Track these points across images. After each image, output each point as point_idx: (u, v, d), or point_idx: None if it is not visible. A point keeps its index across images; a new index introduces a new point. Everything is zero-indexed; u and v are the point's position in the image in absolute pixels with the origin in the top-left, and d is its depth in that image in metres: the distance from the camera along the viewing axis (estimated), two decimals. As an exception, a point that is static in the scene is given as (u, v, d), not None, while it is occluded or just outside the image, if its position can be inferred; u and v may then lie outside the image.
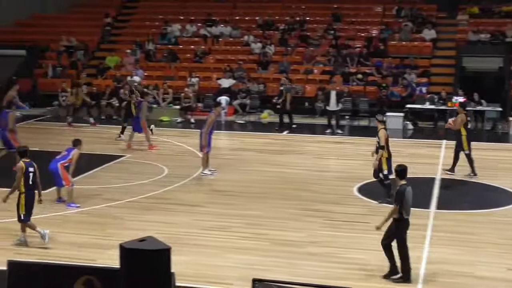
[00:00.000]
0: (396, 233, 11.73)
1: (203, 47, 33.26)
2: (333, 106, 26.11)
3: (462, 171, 19.29)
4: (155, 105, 28.79)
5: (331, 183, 18.32)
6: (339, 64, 30.90)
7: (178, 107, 28.81)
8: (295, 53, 32.44)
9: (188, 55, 33.23)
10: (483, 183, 18.78)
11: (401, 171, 12.03)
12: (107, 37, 35.82)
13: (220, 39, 34.00)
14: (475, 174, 19.16)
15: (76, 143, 16.45)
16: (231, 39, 34.16)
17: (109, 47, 34.71)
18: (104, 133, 24.16)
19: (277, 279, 9.56)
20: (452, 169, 19.34)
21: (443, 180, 18.90)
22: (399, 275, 11.81)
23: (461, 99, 26.52)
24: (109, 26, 36.23)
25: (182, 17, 36.06)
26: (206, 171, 19.18)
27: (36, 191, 13.53)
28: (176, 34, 34.39)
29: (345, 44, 32.27)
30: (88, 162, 19.43)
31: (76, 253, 13.00)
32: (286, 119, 26.63)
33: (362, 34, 33.29)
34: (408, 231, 11.86)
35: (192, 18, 35.61)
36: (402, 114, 26.90)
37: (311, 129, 26.75)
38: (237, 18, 35.73)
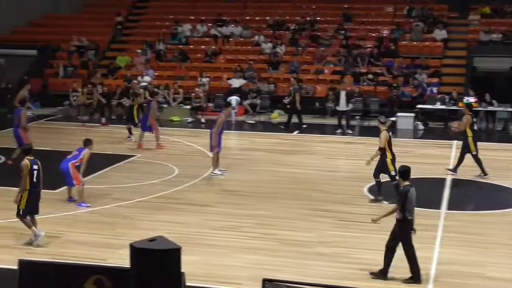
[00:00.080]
0: (400, 234, 11.71)
1: (213, 47, 33.30)
2: (343, 106, 26.08)
3: (472, 172, 19.21)
4: (165, 105, 28.87)
5: (341, 183, 18.30)
6: (349, 64, 30.88)
7: (188, 107, 28.85)
8: (306, 53, 32.43)
9: (199, 55, 33.27)
10: (494, 184, 18.71)
11: (404, 172, 12.00)
12: (118, 37, 35.92)
13: (231, 39, 34.03)
14: (485, 174, 19.09)
15: (87, 143, 16.48)
16: (241, 39, 34.18)
17: (120, 47, 34.80)
18: (115, 133, 24.22)
19: (287, 279, 9.56)
20: (455, 169, 19.26)
21: (453, 180, 18.85)
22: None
23: (472, 99, 26.44)
24: (120, 25, 36.35)
25: (192, 17, 36.12)
26: (216, 171, 19.19)
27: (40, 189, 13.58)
28: (186, 34, 34.44)
29: (356, 44, 32.24)
30: (99, 162, 19.45)
31: (86, 252, 13.03)
32: (294, 119, 26.62)
33: (373, 34, 33.25)
34: (413, 232, 11.83)
35: (203, 18, 35.65)
36: (412, 115, 26.84)
37: (321, 129, 26.74)
38: (247, 18, 35.75)
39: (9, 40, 33.93)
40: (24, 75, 31.12)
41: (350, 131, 25.88)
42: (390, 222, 12.05)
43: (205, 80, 30.30)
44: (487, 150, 20.97)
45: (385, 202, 16.39)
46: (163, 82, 30.52)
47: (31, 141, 19.63)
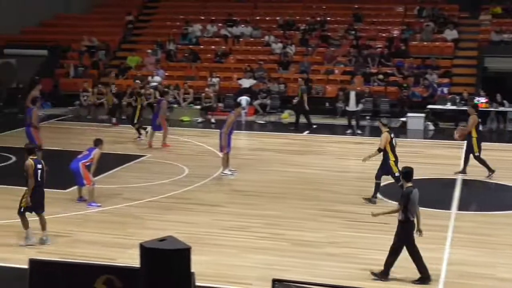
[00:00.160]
0: (402, 235, 11.69)
1: (223, 47, 33.32)
2: (352, 106, 26.04)
3: (482, 173, 19.15)
4: (175, 105, 28.90)
5: (351, 184, 18.26)
6: (360, 65, 30.84)
7: (198, 107, 28.88)
8: (316, 53, 32.41)
9: (209, 55, 33.30)
10: (505, 184, 18.65)
11: (407, 173, 11.97)
12: (129, 37, 36.01)
13: (241, 39, 34.04)
14: (492, 171, 18.98)
15: (98, 142, 16.52)
16: (251, 39, 34.19)
17: (130, 47, 34.87)
18: (125, 133, 24.25)
19: (296, 279, 9.56)
20: (463, 171, 19.21)
21: (464, 181, 18.79)
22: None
23: (483, 100, 26.37)
24: (131, 24, 36.44)
25: (203, 17, 36.15)
26: (226, 171, 19.21)
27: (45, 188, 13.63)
28: (197, 34, 34.47)
29: (366, 44, 32.19)
30: (109, 162, 19.51)
31: (96, 252, 13.06)
32: (303, 119, 26.63)
33: (383, 34, 33.20)
34: (419, 233, 11.82)
35: (213, 18, 35.68)
36: (423, 115, 26.77)
37: (331, 130, 26.71)
38: (258, 18, 35.75)
39: (19, 40, 34.11)
40: (35, 75, 31.21)
41: (359, 131, 25.85)
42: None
43: (215, 80, 30.32)
44: (498, 150, 20.92)
45: (394, 202, 16.31)
46: (173, 82, 30.57)
47: (42, 141, 19.75)
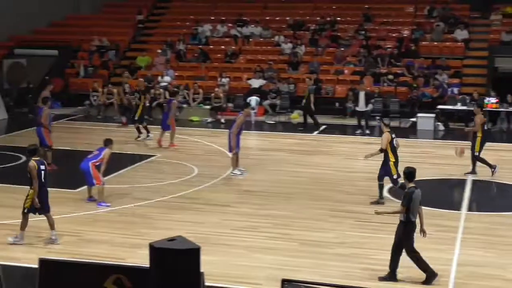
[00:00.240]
0: (403, 235, 11.66)
1: (233, 47, 33.32)
2: (362, 106, 26.00)
3: (488, 173, 19.10)
4: (185, 105, 28.93)
5: (361, 184, 18.23)
6: (369, 65, 30.78)
7: (208, 107, 28.90)
8: (326, 53, 32.37)
9: (219, 55, 33.31)
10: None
11: (409, 173, 11.93)
12: (139, 37, 36.07)
13: (251, 39, 34.04)
14: (494, 167, 18.91)
15: (108, 142, 16.55)
16: (261, 39, 34.18)
17: (140, 47, 34.93)
18: (135, 133, 24.26)
19: (306, 279, 9.55)
20: (473, 171, 19.15)
21: (474, 181, 18.73)
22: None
23: (493, 100, 26.29)
24: (141, 23, 36.51)
25: (213, 18, 36.16)
26: (235, 171, 19.21)
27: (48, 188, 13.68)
28: (207, 34, 34.49)
29: (376, 44, 32.14)
30: (119, 162, 19.55)
31: (106, 252, 13.09)
32: (311, 120, 26.66)
33: (393, 35, 33.12)
34: (423, 234, 11.78)
35: (223, 18, 35.68)
36: (433, 115, 26.70)
37: (341, 130, 26.68)
38: (267, 18, 35.73)
39: (30, 40, 34.23)
40: (45, 75, 31.32)
41: (368, 132, 25.79)
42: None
43: (225, 80, 30.34)
44: (508, 151, 20.84)
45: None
46: (183, 82, 30.60)
47: (52, 141, 19.79)
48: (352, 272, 12.22)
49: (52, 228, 13.54)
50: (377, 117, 24.94)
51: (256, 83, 30.22)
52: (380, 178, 16.52)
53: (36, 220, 13.81)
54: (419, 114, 26.78)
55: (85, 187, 16.60)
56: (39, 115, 19.87)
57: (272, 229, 14.60)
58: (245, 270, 12.31)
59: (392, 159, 16.27)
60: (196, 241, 7.73)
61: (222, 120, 27.75)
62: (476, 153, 18.93)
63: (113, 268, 9.50)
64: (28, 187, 13.39)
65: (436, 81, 29.02)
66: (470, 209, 16.32)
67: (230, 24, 35.07)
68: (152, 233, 13.33)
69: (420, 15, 34.53)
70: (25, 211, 13.42)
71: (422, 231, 11.89)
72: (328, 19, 34.47)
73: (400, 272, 11.89)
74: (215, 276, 11.14)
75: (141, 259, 11.17)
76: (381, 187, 16.56)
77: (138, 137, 23.94)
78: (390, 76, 29.88)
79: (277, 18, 35.66)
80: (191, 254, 7.60)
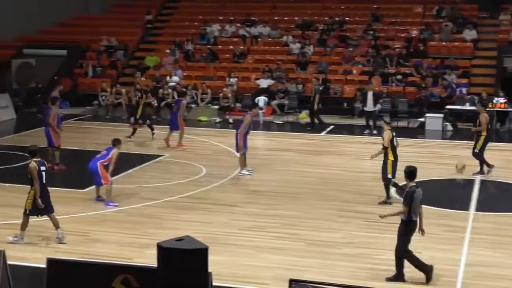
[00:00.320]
0: (404, 234, 11.64)
1: (242, 47, 33.32)
2: (370, 106, 25.96)
3: (500, 173, 19.04)
4: (193, 105, 28.96)
5: (369, 184, 18.19)
6: (378, 65, 30.74)
7: (216, 107, 28.92)
8: (334, 53, 32.35)
9: (227, 55, 33.33)
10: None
11: (410, 172, 11.89)
12: (147, 37, 36.12)
13: (259, 39, 34.05)
14: (491, 166, 18.91)
15: (116, 142, 16.59)
16: (270, 39, 34.18)
17: (149, 47, 34.97)
18: (143, 133, 24.31)
19: (313, 279, 9.55)
20: (481, 171, 19.11)
21: (482, 181, 18.69)
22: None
23: (502, 100, 26.20)
24: (150, 23, 36.56)
25: (221, 18, 36.19)
26: (243, 171, 19.21)
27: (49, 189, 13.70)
28: (215, 34, 34.51)
29: (385, 44, 32.10)
30: (127, 161, 19.58)
31: (114, 251, 13.11)
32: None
33: (402, 35, 33.07)
34: (421, 233, 11.79)
35: (232, 18, 35.70)
36: (441, 115, 26.64)
37: (349, 130, 26.65)
38: (276, 18, 35.74)
39: (39, 40, 34.31)
40: (54, 75, 31.39)
41: (375, 132, 25.74)
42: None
43: (233, 80, 30.36)
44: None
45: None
46: (191, 82, 30.63)
47: (60, 142, 19.82)
48: (360, 272, 12.21)
49: (56, 227, 13.55)
50: (380, 117, 24.89)
51: (264, 83, 30.22)
52: (384, 179, 16.53)
53: (41, 220, 13.84)
54: (427, 114, 26.71)
55: (93, 187, 16.64)
56: (47, 115, 19.91)
57: (280, 229, 14.60)
58: (252, 270, 12.32)
59: (391, 157, 16.24)
60: (204, 241, 7.74)
61: (230, 120, 27.76)
62: (476, 150, 18.91)
63: (121, 268, 9.52)
64: (29, 187, 13.43)
65: (444, 81, 28.96)
66: (478, 209, 16.27)
67: (238, 24, 35.08)
68: (160, 233, 13.34)
69: (429, 15, 34.46)
70: (27, 212, 13.44)
71: (421, 230, 11.87)
72: (337, 19, 34.44)
73: (406, 272, 11.88)
74: (223, 276, 11.15)
75: (149, 259, 11.18)
76: (387, 187, 16.54)
77: (153, 133, 24.02)
78: (399, 76, 29.84)
79: (286, 18, 35.66)
80: (199, 254, 7.61)
